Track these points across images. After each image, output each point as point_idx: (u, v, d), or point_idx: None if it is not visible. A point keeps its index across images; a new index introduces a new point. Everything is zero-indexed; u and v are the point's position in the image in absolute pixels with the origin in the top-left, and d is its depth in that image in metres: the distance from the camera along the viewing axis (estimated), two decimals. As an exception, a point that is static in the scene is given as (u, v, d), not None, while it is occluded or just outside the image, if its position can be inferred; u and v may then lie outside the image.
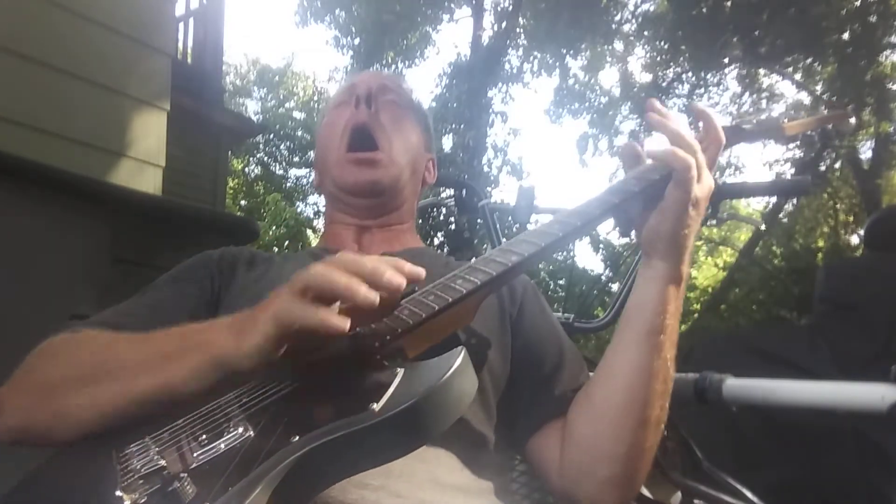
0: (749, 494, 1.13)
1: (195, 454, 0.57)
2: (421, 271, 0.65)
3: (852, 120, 1.11)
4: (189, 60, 5.07)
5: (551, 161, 30.45)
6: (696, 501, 1.16)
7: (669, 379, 0.79)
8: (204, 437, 0.60)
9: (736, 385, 1.15)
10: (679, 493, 1.17)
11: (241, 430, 0.59)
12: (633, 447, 0.77)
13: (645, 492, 1.16)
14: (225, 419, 0.61)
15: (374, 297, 0.59)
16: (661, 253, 0.79)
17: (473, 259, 0.79)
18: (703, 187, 0.78)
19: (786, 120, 1.06)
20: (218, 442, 0.58)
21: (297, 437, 0.56)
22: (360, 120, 1.04)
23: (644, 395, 0.77)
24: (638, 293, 0.81)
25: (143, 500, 0.54)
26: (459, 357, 0.61)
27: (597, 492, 0.79)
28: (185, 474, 0.54)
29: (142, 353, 0.68)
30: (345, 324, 0.58)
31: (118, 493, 0.54)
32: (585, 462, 0.80)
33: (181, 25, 4.97)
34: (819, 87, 11.38)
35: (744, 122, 1.05)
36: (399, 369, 0.61)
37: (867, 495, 1.38)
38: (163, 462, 0.57)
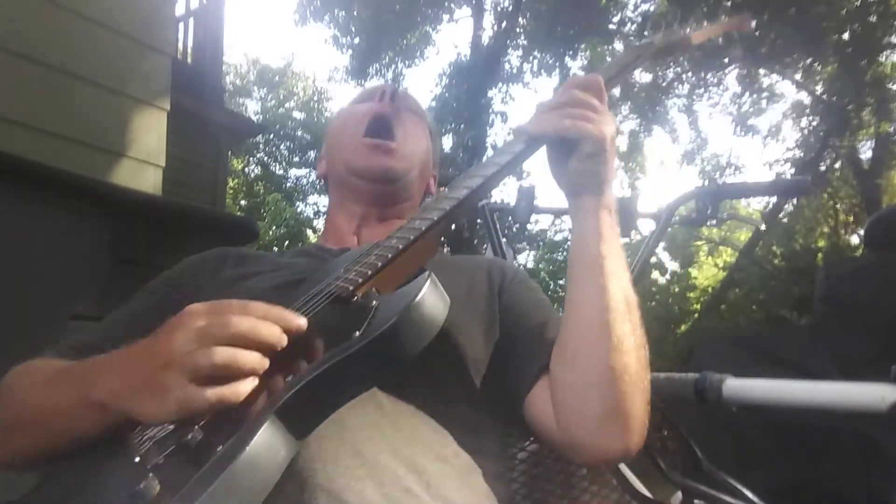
0: (749, 494, 1.13)
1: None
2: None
3: (753, 23, 1.20)
4: (189, 60, 5.06)
5: (551, 161, 30.26)
6: (696, 501, 1.16)
7: (632, 301, 0.82)
8: None
9: (736, 385, 1.15)
10: (679, 493, 1.17)
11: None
12: (611, 371, 0.75)
13: (645, 492, 1.16)
14: None
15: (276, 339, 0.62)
16: (588, 189, 0.85)
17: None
18: (601, 127, 0.84)
19: (689, 30, 1.14)
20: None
21: (292, 377, 0.62)
22: (382, 110, 1.09)
23: (607, 318, 0.77)
24: (576, 231, 0.86)
25: (161, 462, 0.58)
26: (427, 280, 0.66)
27: (595, 432, 0.76)
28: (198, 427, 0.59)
29: (55, 400, 0.71)
30: (248, 385, 0.60)
31: (136, 459, 0.60)
32: (572, 401, 0.78)
33: (181, 25, 4.96)
34: (819, 87, 11.36)
35: (651, 37, 1.13)
36: (374, 301, 0.68)
37: (867, 495, 1.38)
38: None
